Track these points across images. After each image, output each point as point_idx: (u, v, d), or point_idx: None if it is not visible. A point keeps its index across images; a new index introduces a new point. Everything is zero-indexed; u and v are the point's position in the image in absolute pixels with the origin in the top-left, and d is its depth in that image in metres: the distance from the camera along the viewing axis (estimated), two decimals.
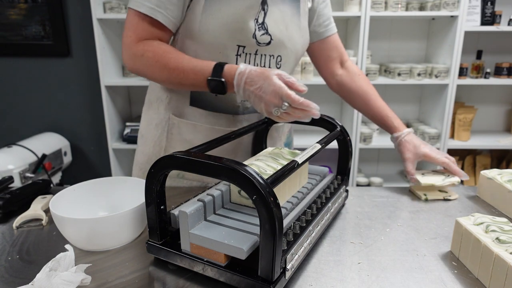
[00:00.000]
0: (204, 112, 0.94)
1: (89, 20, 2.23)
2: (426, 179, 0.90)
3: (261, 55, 0.89)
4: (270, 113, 0.73)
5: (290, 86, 0.72)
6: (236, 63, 0.86)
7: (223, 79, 0.76)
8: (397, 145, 0.99)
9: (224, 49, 0.85)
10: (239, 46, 0.86)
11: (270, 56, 0.90)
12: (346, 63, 1.09)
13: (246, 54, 0.87)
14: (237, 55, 0.87)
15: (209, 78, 0.77)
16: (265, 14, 0.87)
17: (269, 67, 0.91)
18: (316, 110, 0.72)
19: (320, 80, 1.78)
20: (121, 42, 0.86)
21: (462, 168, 2.58)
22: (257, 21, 0.86)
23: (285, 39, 0.91)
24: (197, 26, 0.84)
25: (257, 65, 0.89)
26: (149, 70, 0.84)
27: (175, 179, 0.96)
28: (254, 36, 0.86)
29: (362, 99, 1.05)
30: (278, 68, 0.93)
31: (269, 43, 0.88)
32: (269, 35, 0.88)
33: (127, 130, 2.33)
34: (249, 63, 0.88)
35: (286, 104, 0.70)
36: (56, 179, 2.37)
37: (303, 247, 0.60)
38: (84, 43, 2.44)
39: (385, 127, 1.03)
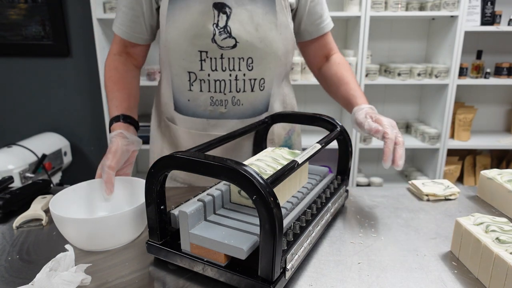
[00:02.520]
0: (182, 116, 0.98)
1: (89, 20, 2.23)
2: (427, 189, 0.89)
3: (228, 58, 0.88)
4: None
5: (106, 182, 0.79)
6: (201, 69, 0.89)
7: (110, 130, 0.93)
8: (353, 119, 0.90)
9: (188, 55, 0.88)
10: (200, 51, 0.88)
11: (240, 59, 0.89)
12: (331, 56, 1.08)
13: (211, 58, 0.88)
14: (200, 60, 0.88)
15: (110, 120, 0.95)
16: (227, 17, 0.86)
17: (239, 70, 0.90)
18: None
19: None
20: None
21: (462, 168, 2.58)
22: (217, 25, 0.86)
23: (254, 41, 0.88)
24: (164, 36, 0.90)
25: (225, 69, 0.89)
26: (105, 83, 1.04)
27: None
28: (214, 40, 0.86)
29: (334, 83, 1.02)
30: (250, 70, 0.90)
31: (234, 46, 0.87)
32: (233, 38, 0.87)
33: None
34: (215, 68, 0.89)
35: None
36: (56, 179, 2.37)
37: (303, 247, 0.60)
38: (84, 43, 2.44)
39: (348, 106, 0.97)
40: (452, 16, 2.16)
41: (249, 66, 0.90)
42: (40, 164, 2.08)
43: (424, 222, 0.78)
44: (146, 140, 2.41)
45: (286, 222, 0.59)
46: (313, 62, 1.10)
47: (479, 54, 2.33)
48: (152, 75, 2.23)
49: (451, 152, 2.47)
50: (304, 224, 0.62)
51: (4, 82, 2.53)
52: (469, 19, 2.19)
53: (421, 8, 2.29)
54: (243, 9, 0.86)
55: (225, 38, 0.86)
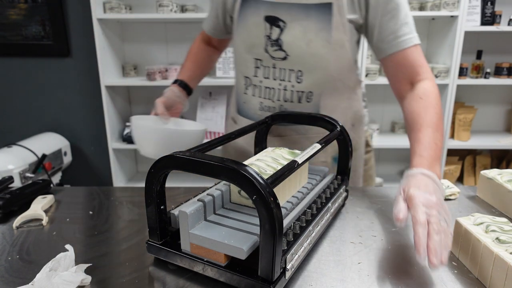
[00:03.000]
0: (239, 117, 1.07)
1: (89, 20, 2.23)
2: None
3: (279, 69, 0.94)
4: None
5: None
6: (255, 75, 0.98)
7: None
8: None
9: (245, 62, 0.98)
10: (256, 59, 0.96)
11: (290, 70, 0.93)
12: (417, 83, 0.89)
13: (264, 67, 0.95)
14: (255, 67, 0.97)
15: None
16: (281, 30, 0.90)
17: (289, 81, 0.94)
18: None
19: None
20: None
21: (462, 168, 2.58)
22: (269, 37, 0.92)
23: (305, 55, 0.90)
24: (233, 43, 1.03)
25: (276, 79, 0.95)
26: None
27: None
28: (266, 50, 0.93)
29: (408, 125, 0.86)
30: (299, 83, 0.93)
31: (284, 58, 0.92)
32: (284, 51, 0.91)
33: (127, 130, 2.33)
34: (268, 76, 0.96)
35: None
36: (56, 179, 2.37)
37: (303, 247, 0.60)
38: (84, 43, 2.44)
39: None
40: (452, 16, 2.16)
41: (299, 79, 0.93)
42: (40, 164, 2.08)
43: None
44: None
45: (286, 222, 0.59)
46: (395, 87, 0.95)
47: (479, 54, 2.33)
48: (152, 75, 2.23)
49: (451, 152, 2.47)
50: (304, 224, 0.62)
51: (4, 82, 2.53)
52: (469, 19, 2.19)
53: (421, 8, 2.29)
54: (297, 23, 0.88)
55: (276, 50, 0.92)
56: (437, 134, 0.79)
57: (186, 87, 1.15)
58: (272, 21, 0.90)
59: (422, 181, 0.66)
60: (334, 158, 1.04)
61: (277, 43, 0.91)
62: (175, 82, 1.14)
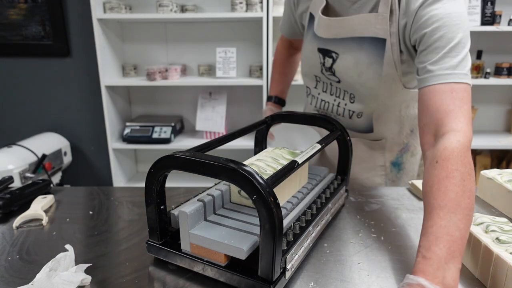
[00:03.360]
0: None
1: (89, 20, 2.23)
2: None
3: (336, 87, 0.98)
4: None
5: None
6: (315, 87, 1.05)
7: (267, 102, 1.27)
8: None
9: (308, 74, 1.05)
10: (315, 75, 1.02)
11: (344, 91, 0.97)
12: (440, 138, 0.66)
13: (323, 83, 1.01)
14: (316, 81, 1.03)
15: (268, 96, 1.29)
16: (333, 60, 0.93)
17: (343, 99, 0.98)
18: None
19: None
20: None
21: None
22: (323, 64, 0.97)
23: (356, 85, 0.92)
24: (301, 55, 1.08)
25: (332, 94, 1.00)
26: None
27: None
28: (322, 73, 0.99)
29: (424, 198, 0.64)
30: (351, 103, 0.97)
31: (338, 81, 0.96)
32: (337, 77, 0.96)
33: (127, 130, 2.33)
34: (325, 90, 1.02)
35: None
36: (56, 179, 2.37)
37: (303, 247, 0.60)
38: (84, 43, 2.44)
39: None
40: None
41: (351, 100, 0.97)
42: (40, 164, 2.08)
43: None
44: (151, 140, 2.38)
45: (286, 222, 0.59)
46: (421, 134, 0.73)
47: (479, 54, 2.33)
48: (152, 75, 2.23)
49: None
50: (304, 224, 0.62)
51: (4, 82, 2.53)
52: (469, 19, 2.19)
53: None
54: (350, 55, 0.90)
55: (330, 75, 0.97)
56: (454, 218, 0.56)
57: (280, 101, 1.26)
58: (324, 52, 0.95)
59: None
60: (393, 162, 1.06)
61: (330, 70, 0.96)
62: (270, 99, 1.26)
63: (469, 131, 0.66)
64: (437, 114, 0.68)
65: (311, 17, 0.99)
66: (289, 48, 1.28)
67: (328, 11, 0.93)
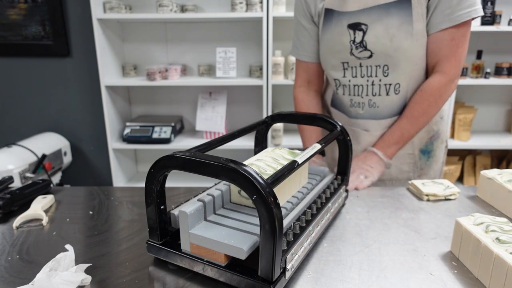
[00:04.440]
0: (334, 110, 1.16)
1: (89, 20, 2.24)
2: (427, 189, 0.89)
3: (366, 66, 1.00)
4: None
5: None
6: (344, 76, 1.05)
7: None
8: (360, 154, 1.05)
9: (333, 66, 1.06)
10: (342, 63, 1.03)
11: (376, 66, 0.99)
12: (435, 72, 0.97)
13: (352, 67, 1.03)
14: (343, 69, 1.05)
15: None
16: (364, 33, 0.96)
17: (376, 76, 1.01)
18: None
19: None
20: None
21: (462, 168, 2.58)
22: (353, 42, 0.98)
23: (389, 51, 0.95)
24: (320, 53, 1.10)
25: (363, 76, 1.02)
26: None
27: None
28: (352, 53, 1.00)
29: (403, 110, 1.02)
30: (385, 76, 0.99)
31: (370, 56, 0.98)
32: (369, 50, 0.97)
33: (127, 130, 2.33)
34: (355, 75, 1.03)
35: None
36: (56, 179, 2.37)
37: (303, 247, 0.60)
38: (84, 43, 2.44)
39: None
40: None
41: (385, 73, 0.99)
42: (40, 164, 2.08)
43: (424, 222, 0.78)
44: (151, 140, 2.39)
45: (286, 222, 0.59)
46: (428, 71, 1.01)
47: (479, 54, 2.33)
48: (152, 75, 2.23)
49: (451, 152, 2.47)
50: (304, 224, 0.62)
51: (4, 82, 2.53)
52: None
53: None
54: (379, 23, 0.94)
55: (362, 51, 0.98)
56: (408, 125, 0.99)
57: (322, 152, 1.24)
58: (355, 27, 0.97)
59: (368, 155, 1.02)
60: (422, 150, 1.10)
61: (361, 45, 0.97)
62: None
63: (454, 73, 0.95)
64: (435, 59, 0.95)
65: (327, 12, 1.01)
66: (309, 91, 1.18)
67: None
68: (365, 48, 0.97)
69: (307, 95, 1.18)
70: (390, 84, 1.00)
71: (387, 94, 1.01)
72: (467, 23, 0.90)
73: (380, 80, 1.00)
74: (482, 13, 0.88)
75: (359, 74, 1.02)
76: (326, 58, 1.07)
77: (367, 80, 1.02)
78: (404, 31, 0.92)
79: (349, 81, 1.05)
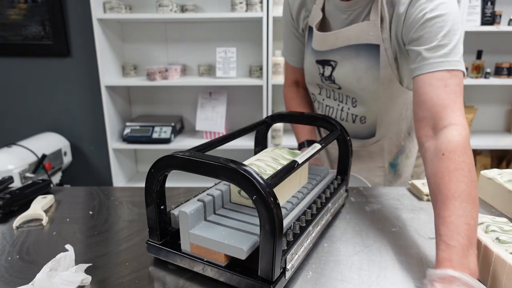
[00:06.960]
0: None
1: (89, 20, 2.23)
2: (427, 189, 0.89)
3: (338, 93, 1.01)
4: None
5: None
6: (320, 93, 1.06)
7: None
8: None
9: (311, 83, 1.06)
10: (317, 84, 1.04)
11: (346, 96, 1.00)
12: (441, 131, 0.69)
13: (326, 89, 1.04)
14: (319, 88, 1.05)
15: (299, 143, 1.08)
16: (333, 68, 0.96)
17: (346, 104, 1.01)
18: None
19: None
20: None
21: None
22: (322, 75, 0.99)
23: (355, 90, 0.95)
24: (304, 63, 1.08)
25: (336, 99, 1.03)
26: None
27: None
28: (323, 82, 1.01)
29: (432, 194, 0.65)
30: (354, 107, 0.99)
31: (339, 88, 0.99)
32: (337, 84, 0.98)
33: (127, 130, 2.33)
34: (329, 96, 1.04)
35: None
36: (56, 179, 2.37)
37: (303, 247, 0.60)
38: (84, 43, 2.44)
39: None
40: None
41: (354, 104, 0.99)
42: (40, 164, 2.08)
43: (424, 222, 0.78)
44: (151, 140, 2.39)
45: (286, 222, 0.59)
46: (418, 127, 0.74)
47: (479, 54, 2.33)
48: (152, 75, 2.23)
49: None
50: (304, 224, 0.62)
51: (4, 82, 2.53)
52: (469, 19, 2.19)
53: None
54: (348, 62, 0.93)
55: (331, 83, 0.99)
56: (468, 207, 0.59)
57: (313, 142, 1.16)
58: (323, 63, 0.98)
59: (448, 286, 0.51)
60: (391, 163, 1.10)
61: (330, 78, 0.98)
62: (302, 145, 1.04)
63: (466, 124, 0.71)
64: (434, 108, 0.71)
65: (310, 30, 1.00)
66: (298, 90, 1.17)
67: (324, 24, 0.96)
68: (334, 82, 0.98)
69: (297, 94, 1.18)
70: (356, 115, 1.00)
71: (353, 122, 1.02)
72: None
73: (348, 109, 1.01)
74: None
75: (333, 97, 1.03)
76: (306, 72, 1.07)
77: (338, 105, 1.03)
78: (371, 74, 0.91)
79: (323, 99, 1.06)
